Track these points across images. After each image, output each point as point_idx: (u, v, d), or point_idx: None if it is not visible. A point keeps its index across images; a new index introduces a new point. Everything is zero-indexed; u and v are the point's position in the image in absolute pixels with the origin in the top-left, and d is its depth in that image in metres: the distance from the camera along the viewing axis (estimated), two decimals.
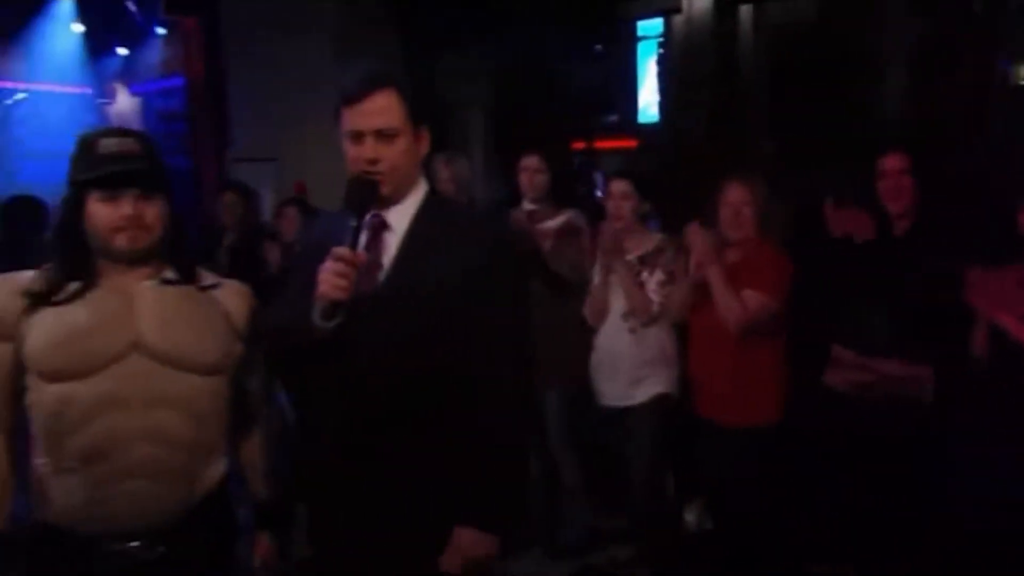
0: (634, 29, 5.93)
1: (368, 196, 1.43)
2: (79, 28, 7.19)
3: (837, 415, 2.34)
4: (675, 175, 3.86)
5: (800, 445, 2.43)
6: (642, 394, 2.65)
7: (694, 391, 2.53)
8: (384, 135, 1.43)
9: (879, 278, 2.28)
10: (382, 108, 1.43)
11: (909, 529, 2.23)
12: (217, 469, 1.53)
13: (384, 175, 1.44)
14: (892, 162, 2.31)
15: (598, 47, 6.42)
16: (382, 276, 1.47)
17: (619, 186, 2.67)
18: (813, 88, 3.83)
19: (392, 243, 1.48)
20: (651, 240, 2.68)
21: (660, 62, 5.42)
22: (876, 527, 2.31)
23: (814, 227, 2.69)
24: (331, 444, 1.51)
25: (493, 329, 1.46)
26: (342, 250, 1.35)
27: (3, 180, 6.53)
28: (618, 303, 2.67)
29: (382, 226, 1.49)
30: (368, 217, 1.44)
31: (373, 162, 1.43)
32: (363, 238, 1.43)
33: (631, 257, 2.64)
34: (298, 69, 5.06)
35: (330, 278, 1.33)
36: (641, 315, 2.61)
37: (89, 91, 7.68)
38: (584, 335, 2.77)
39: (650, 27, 5.79)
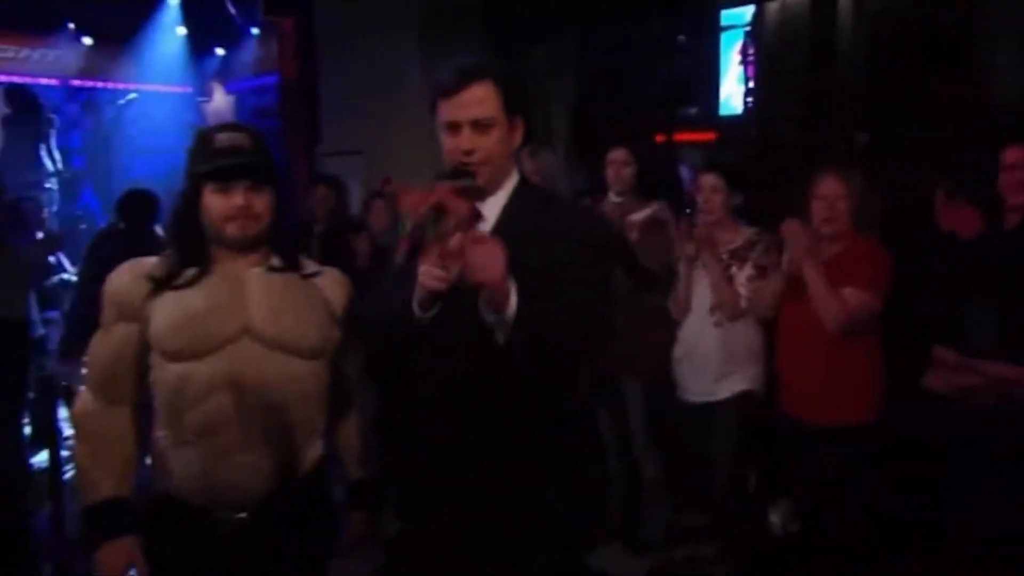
0: (718, 18, 5.81)
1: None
2: (182, 31, 7.63)
3: (938, 418, 2.23)
4: (762, 167, 3.76)
5: (896, 448, 2.34)
6: (726, 390, 2.61)
7: (781, 388, 2.47)
8: (480, 125, 1.45)
9: (987, 274, 2.16)
10: (479, 99, 1.45)
11: (1015, 539, 2.11)
12: (317, 448, 1.61)
13: (479, 165, 1.46)
14: (1017, 154, 2.19)
15: (681, 38, 6.31)
16: None
17: (709, 179, 2.62)
18: (914, 76, 3.63)
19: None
20: (742, 234, 2.62)
21: (743, 51, 5.29)
22: (979, 537, 2.19)
23: (913, 220, 2.57)
24: (420, 429, 1.55)
25: (583, 309, 1.46)
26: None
27: (118, 175, 7.01)
28: (704, 296, 2.63)
29: (476, 216, 1.52)
30: None
31: (469, 152, 1.45)
32: None
33: (721, 251, 2.60)
34: (386, 66, 5.19)
35: (430, 270, 1.35)
36: (728, 310, 2.57)
37: (189, 90, 8.15)
38: (666, 328, 2.75)
39: (735, 16, 5.66)
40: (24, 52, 7.44)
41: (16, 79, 6.93)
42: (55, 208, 5.83)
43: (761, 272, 2.52)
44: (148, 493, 1.58)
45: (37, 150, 6.16)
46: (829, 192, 2.32)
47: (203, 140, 1.52)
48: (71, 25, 7.34)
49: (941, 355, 2.27)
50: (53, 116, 6.56)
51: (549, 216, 1.52)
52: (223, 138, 1.50)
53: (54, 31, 7.37)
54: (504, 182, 1.53)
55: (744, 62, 5.44)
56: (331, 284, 1.63)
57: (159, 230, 3.96)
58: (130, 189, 4.18)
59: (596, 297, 1.49)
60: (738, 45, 5.67)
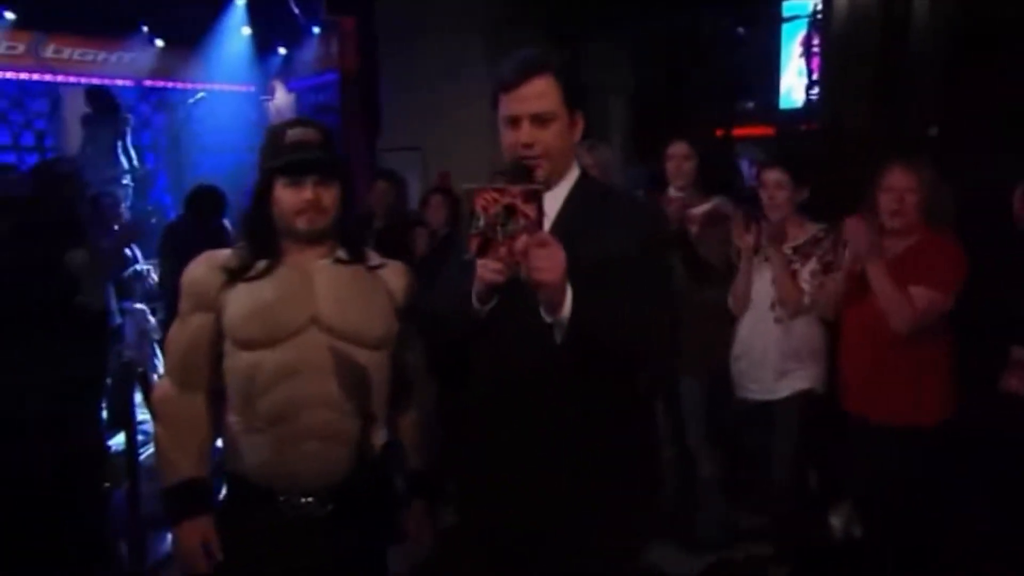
0: (779, 9, 5.68)
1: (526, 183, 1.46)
2: (247, 31, 7.87)
3: (1014, 420, 2.14)
4: (828, 161, 3.64)
5: (969, 452, 2.25)
6: (786, 388, 2.55)
7: (845, 387, 2.40)
8: (540, 119, 1.46)
9: None
10: (539, 93, 1.45)
11: None
12: (379, 437, 1.65)
13: (539, 159, 1.47)
14: None
15: (740, 30, 6.18)
16: None
17: (773, 175, 2.55)
18: (996, 64, 3.45)
19: (545, 227, 1.52)
20: (807, 230, 2.55)
21: (806, 42, 5.17)
22: None
23: (991, 216, 2.47)
24: (477, 422, 1.56)
25: (641, 309, 1.45)
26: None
27: (187, 172, 7.29)
28: (764, 292, 2.58)
29: (541, 220, 1.51)
30: None
31: (528, 146, 1.46)
32: None
33: (785, 247, 2.54)
34: (444, 63, 5.24)
35: (488, 264, 1.36)
36: (790, 306, 2.51)
37: (252, 89, 8.40)
38: (723, 324, 2.71)
39: (797, 6, 5.53)
40: (102, 55, 7.81)
41: (95, 80, 7.29)
42: (128, 203, 6.09)
43: (826, 268, 2.45)
44: (220, 475, 1.66)
45: (114, 148, 6.46)
46: (897, 184, 2.23)
47: (274, 136, 1.57)
48: (144, 28, 7.68)
49: (1019, 356, 2.17)
50: (128, 115, 6.87)
51: (609, 210, 1.52)
52: (293, 134, 1.54)
53: (129, 35, 7.72)
54: (565, 176, 1.54)
55: (807, 53, 5.31)
56: (395, 276, 1.67)
57: (226, 223, 4.11)
58: (198, 184, 4.33)
59: (657, 292, 1.48)
60: (800, 36, 5.54)
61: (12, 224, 2.71)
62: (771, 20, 5.77)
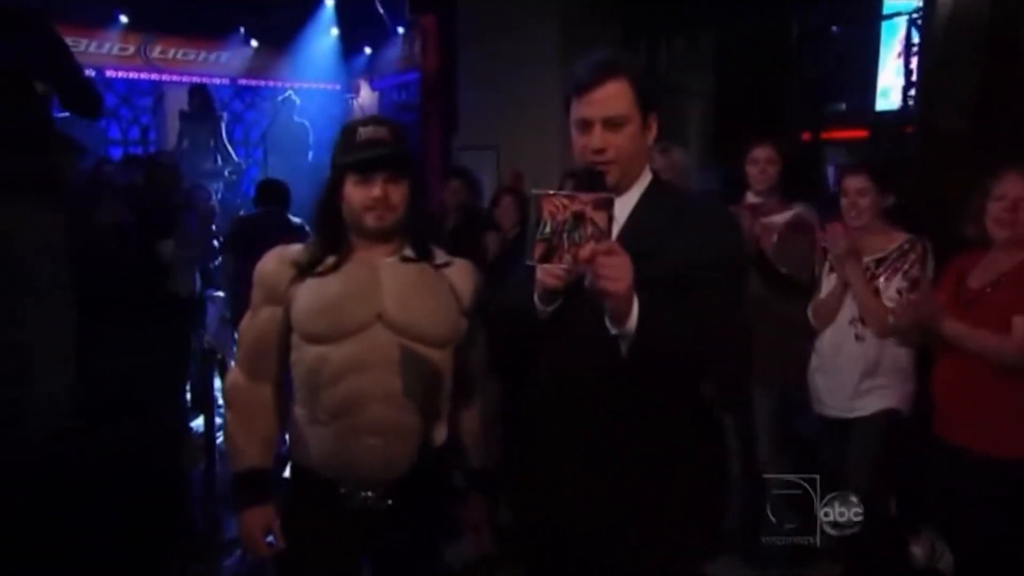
0: (879, 6, 5.43)
1: (596, 189, 1.42)
2: (335, 32, 8.14)
3: None
4: (925, 166, 3.42)
5: None
6: (866, 406, 2.41)
7: (937, 411, 2.23)
8: (612, 123, 1.43)
9: None
10: (612, 96, 1.42)
11: None
12: (441, 434, 1.66)
13: (610, 163, 1.44)
14: None
15: (834, 28, 5.91)
16: None
17: (855, 182, 2.40)
18: None
19: (615, 232, 1.49)
20: (894, 240, 2.39)
21: (906, 41, 4.91)
22: None
23: None
24: (538, 423, 1.55)
25: (710, 321, 1.40)
26: None
27: (274, 167, 7.59)
28: (847, 305, 2.45)
29: (610, 230, 1.48)
30: None
31: (600, 151, 1.43)
32: None
33: (867, 259, 2.40)
34: (522, 61, 5.23)
35: (550, 268, 1.34)
36: (874, 326, 2.36)
37: (338, 87, 8.67)
38: (800, 337, 2.59)
39: (899, 4, 5.27)
40: (202, 55, 8.29)
41: (194, 79, 7.73)
42: (219, 196, 6.40)
43: (913, 285, 2.30)
44: (285, 464, 1.71)
45: (209, 144, 6.81)
46: (1011, 193, 2.05)
47: (347, 133, 1.60)
48: (242, 30, 8.06)
49: None
50: (223, 113, 7.22)
51: (681, 216, 1.47)
52: (365, 131, 1.57)
53: (228, 36, 8.13)
54: (636, 180, 1.50)
55: (907, 52, 5.03)
56: (461, 275, 1.67)
57: (291, 217, 4.24)
58: (265, 178, 4.48)
59: (727, 306, 1.43)
60: (900, 35, 5.26)
61: (115, 212, 2.91)
62: (870, 18, 5.51)
